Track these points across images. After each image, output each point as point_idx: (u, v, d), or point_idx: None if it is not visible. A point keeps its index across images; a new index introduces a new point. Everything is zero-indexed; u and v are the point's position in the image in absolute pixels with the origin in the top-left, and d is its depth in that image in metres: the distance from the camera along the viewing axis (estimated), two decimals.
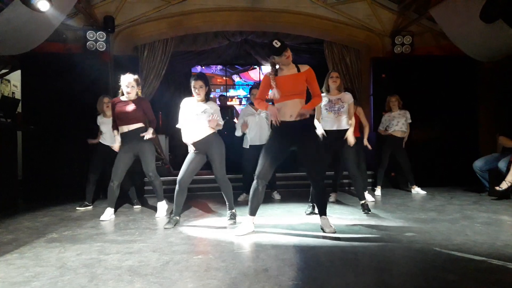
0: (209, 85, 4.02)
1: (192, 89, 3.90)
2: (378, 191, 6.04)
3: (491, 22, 5.16)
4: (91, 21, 6.51)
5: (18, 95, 7.63)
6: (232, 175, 6.82)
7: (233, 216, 4.02)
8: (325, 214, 3.60)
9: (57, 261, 2.77)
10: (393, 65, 7.18)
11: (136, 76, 4.47)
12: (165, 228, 3.80)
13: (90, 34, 6.42)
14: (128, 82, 4.36)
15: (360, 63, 7.98)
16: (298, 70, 3.45)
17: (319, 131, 4.28)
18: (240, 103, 12.00)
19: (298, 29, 7.78)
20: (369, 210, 4.37)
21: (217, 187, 3.80)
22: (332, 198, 5.34)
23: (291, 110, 3.39)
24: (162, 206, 4.60)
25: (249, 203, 3.57)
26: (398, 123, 5.88)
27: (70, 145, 6.12)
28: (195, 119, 3.91)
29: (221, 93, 11.36)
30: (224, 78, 12.11)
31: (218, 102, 10.28)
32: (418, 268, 2.52)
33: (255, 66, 11.81)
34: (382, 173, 6.04)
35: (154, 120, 4.54)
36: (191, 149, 3.92)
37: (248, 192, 5.55)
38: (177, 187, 3.89)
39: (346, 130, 4.37)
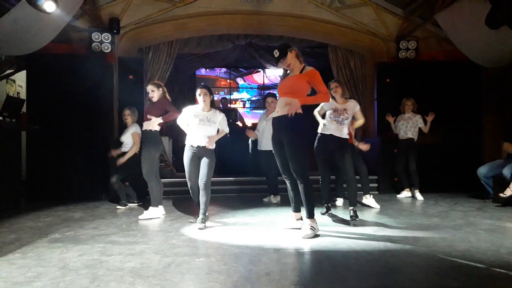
0: (213, 95, 4.23)
1: (198, 96, 4.10)
2: (404, 193, 6.21)
3: (496, 28, 5.16)
4: (97, 22, 6.55)
5: (23, 95, 7.66)
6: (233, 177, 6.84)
7: (204, 220, 3.99)
8: (311, 216, 3.54)
9: (59, 261, 2.77)
10: (398, 70, 7.18)
11: (155, 82, 4.82)
12: (199, 228, 3.83)
13: (95, 36, 6.46)
14: (148, 89, 4.68)
15: (365, 67, 7.98)
16: (301, 72, 3.56)
17: (320, 122, 4.53)
18: (244, 106, 12.01)
19: (303, 32, 7.79)
20: (357, 217, 4.28)
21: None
22: (339, 202, 5.36)
23: (278, 106, 3.60)
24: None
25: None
26: (406, 127, 6.04)
27: (74, 146, 6.16)
28: (197, 125, 4.08)
29: (223, 96, 11.37)
30: (228, 80, 12.13)
31: (220, 105, 10.31)
32: (421, 275, 2.51)
33: (259, 69, 11.82)
34: (401, 176, 6.22)
35: (172, 112, 4.53)
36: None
37: (273, 193, 5.75)
38: (190, 191, 4.18)
39: (344, 139, 4.39)
